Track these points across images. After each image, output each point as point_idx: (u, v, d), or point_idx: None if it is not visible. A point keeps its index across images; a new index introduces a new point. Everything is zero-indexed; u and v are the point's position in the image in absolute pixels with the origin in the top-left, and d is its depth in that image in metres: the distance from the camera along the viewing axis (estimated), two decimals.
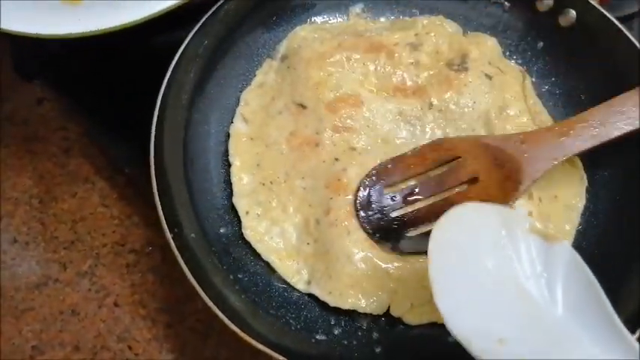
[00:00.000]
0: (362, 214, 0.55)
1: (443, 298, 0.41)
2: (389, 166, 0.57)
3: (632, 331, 0.45)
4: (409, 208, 0.55)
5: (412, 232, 0.54)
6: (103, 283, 0.71)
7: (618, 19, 0.72)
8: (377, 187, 0.56)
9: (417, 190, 0.56)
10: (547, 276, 0.42)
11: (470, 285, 0.42)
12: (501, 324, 0.40)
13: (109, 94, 0.72)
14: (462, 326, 0.40)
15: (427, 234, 0.49)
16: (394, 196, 0.56)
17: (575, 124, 0.54)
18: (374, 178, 0.57)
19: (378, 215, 0.55)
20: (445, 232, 0.44)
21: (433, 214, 0.53)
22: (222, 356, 0.67)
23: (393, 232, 0.55)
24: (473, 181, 0.55)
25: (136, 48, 0.69)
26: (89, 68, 0.76)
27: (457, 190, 0.55)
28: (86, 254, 0.72)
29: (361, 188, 0.56)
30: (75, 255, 0.72)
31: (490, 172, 0.54)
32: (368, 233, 0.55)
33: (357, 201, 0.55)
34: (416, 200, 0.56)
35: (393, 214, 0.55)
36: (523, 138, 0.55)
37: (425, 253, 0.46)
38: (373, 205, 0.55)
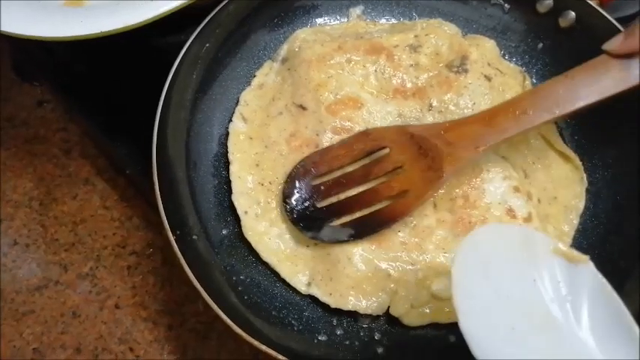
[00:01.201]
0: (287, 203, 0.55)
1: (466, 321, 0.40)
2: (317, 157, 0.57)
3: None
4: (335, 199, 0.56)
5: (336, 222, 0.55)
6: (104, 285, 0.71)
7: (619, 19, 0.72)
8: (305, 178, 0.56)
9: (343, 180, 0.56)
10: (572, 299, 0.41)
11: (493, 309, 0.41)
12: (526, 349, 0.39)
13: (110, 95, 0.72)
14: (486, 351, 0.39)
15: (348, 224, 0.54)
16: (320, 187, 0.56)
17: (498, 113, 0.54)
18: (301, 169, 0.57)
19: (304, 206, 0.55)
20: (468, 253, 0.43)
21: (358, 204, 0.55)
22: (222, 357, 0.67)
23: (317, 221, 0.55)
24: (397, 170, 0.55)
25: (138, 49, 0.69)
26: (90, 69, 0.76)
27: (382, 179, 0.56)
28: (87, 256, 0.73)
29: (288, 179, 0.56)
30: (75, 257, 0.73)
31: (414, 161, 0.55)
32: (293, 223, 0.55)
33: (284, 191, 0.56)
34: (342, 191, 0.56)
35: (319, 205, 0.55)
36: (447, 127, 0.55)
37: (344, 242, 0.53)
38: (299, 196, 0.56)
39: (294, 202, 0.55)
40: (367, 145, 0.57)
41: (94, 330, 0.69)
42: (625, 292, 0.48)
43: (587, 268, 0.41)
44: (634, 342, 0.38)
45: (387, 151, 0.56)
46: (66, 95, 0.77)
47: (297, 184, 0.56)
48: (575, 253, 0.42)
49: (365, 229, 0.54)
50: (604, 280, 0.41)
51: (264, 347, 0.46)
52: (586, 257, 0.42)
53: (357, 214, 0.54)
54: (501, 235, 0.44)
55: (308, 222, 0.55)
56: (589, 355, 0.39)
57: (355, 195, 0.55)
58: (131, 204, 0.75)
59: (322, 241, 0.54)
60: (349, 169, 0.57)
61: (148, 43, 0.69)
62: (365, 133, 0.58)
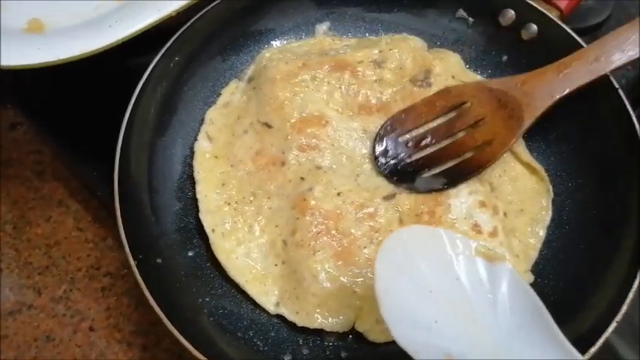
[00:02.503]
0: (381, 160, 0.59)
1: (388, 311, 0.43)
2: (402, 116, 0.61)
3: (599, 335, 0.46)
4: (422, 153, 0.60)
5: (426, 174, 0.59)
6: (78, 308, 0.71)
7: (584, 29, 0.73)
8: (392, 135, 0.60)
9: (428, 136, 0.60)
10: (492, 295, 0.43)
11: (416, 301, 0.44)
12: (448, 341, 0.42)
13: (80, 118, 0.72)
14: (407, 339, 0.42)
15: (440, 174, 0.58)
16: (408, 143, 0.60)
17: (571, 62, 0.58)
18: (389, 127, 0.61)
19: (395, 161, 0.59)
20: (391, 251, 0.46)
21: (446, 155, 0.59)
22: None
23: (409, 175, 0.59)
24: (479, 123, 0.59)
25: (106, 71, 0.69)
26: (61, 92, 0.76)
27: (466, 132, 0.60)
28: (61, 279, 0.72)
29: (377, 138, 0.60)
30: (49, 280, 0.72)
31: (495, 113, 0.59)
32: (386, 177, 0.59)
33: (376, 150, 0.59)
34: (429, 145, 0.60)
35: (408, 160, 0.59)
36: (523, 79, 0.59)
37: (438, 190, 0.57)
38: (390, 153, 0.59)
39: (385, 160, 0.59)
40: (449, 102, 0.61)
41: (68, 353, 0.68)
42: (592, 299, 0.49)
43: (505, 266, 0.44)
44: (550, 332, 0.40)
45: (468, 105, 0.60)
46: (37, 118, 0.77)
47: (386, 142, 0.60)
48: (494, 253, 0.45)
49: (457, 177, 0.58)
50: (519, 278, 0.44)
51: None
52: (503, 256, 0.46)
53: (447, 165, 0.58)
54: (425, 237, 0.47)
55: (401, 175, 0.59)
56: (509, 346, 0.41)
57: (442, 147, 0.59)
58: (105, 225, 0.75)
59: (418, 191, 0.58)
60: (433, 124, 0.61)
61: (116, 65, 0.69)
62: (446, 91, 0.62)
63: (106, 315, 0.70)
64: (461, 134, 0.60)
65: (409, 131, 0.61)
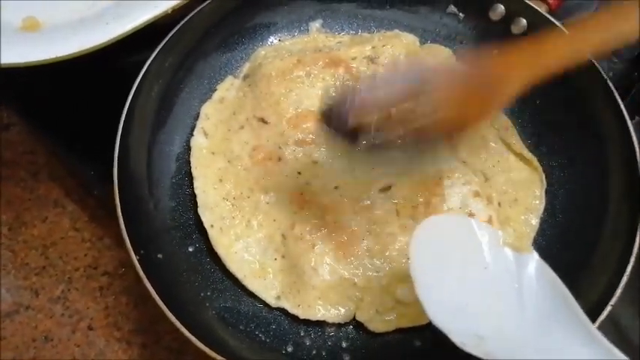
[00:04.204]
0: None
1: (423, 292, 0.44)
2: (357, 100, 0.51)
3: (593, 320, 0.46)
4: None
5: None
6: (77, 308, 0.71)
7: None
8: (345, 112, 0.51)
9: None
10: (519, 285, 0.44)
11: (448, 285, 0.45)
12: (477, 324, 0.43)
13: (76, 116, 0.72)
14: (441, 319, 0.42)
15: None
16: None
17: (546, 42, 0.52)
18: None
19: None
20: (424, 237, 0.47)
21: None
22: None
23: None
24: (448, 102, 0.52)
25: (102, 69, 0.69)
26: (54, 91, 0.76)
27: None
28: (58, 279, 0.72)
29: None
30: (47, 281, 0.72)
31: (465, 94, 0.52)
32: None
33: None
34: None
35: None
36: (495, 62, 0.53)
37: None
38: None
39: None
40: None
41: (67, 353, 0.68)
42: (584, 284, 0.50)
43: (533, 257, 0.46)
44: (579, 322, 0.41)
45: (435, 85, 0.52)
46: (31, 118, 0.77)
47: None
48: (520, 243, 0.46)
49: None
50: (548, 268, 0.45)
51: None
52: (530, 248, 0.45)
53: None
54: (455, 225, 0.48)
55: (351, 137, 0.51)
56: (536, 333, 0.42)
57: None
58: (102, 224, 0.75)
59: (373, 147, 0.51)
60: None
61: (112, 63, 0.69)
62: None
63: (104, 314, 0.70)
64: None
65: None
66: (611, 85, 0.58)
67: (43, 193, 0.78)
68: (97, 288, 0.72)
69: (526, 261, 0.45)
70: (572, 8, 0.77)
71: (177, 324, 0.47)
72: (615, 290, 0.48)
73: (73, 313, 0.70)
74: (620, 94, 0.64)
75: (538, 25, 0.64)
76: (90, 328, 0.70)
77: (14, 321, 0.70)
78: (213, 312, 0.53)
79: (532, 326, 0.42)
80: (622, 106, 0.57)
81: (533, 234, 0.59)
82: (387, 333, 0.54)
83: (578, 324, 0.41)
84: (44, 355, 0.68)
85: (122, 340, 0.69)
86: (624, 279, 0.49)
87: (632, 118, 0.65)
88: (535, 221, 0.59)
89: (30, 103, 0.78)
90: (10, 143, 0.81)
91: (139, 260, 0.50)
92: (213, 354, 0.46)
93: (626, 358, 0.38)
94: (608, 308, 0.47)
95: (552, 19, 0.63)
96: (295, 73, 0.63)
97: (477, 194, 0.57)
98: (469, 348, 0.41)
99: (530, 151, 0.63)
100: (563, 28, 0.62)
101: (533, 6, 0.64)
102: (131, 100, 0.57)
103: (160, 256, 0.53)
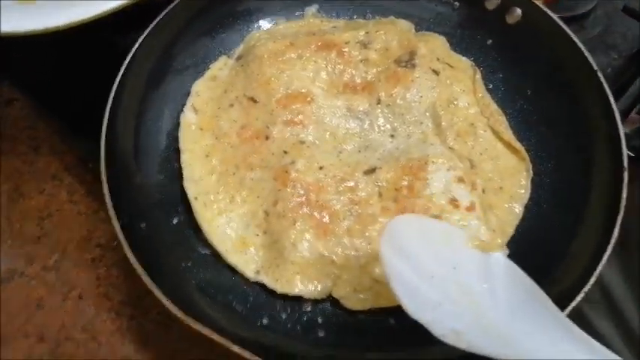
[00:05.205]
0: None
1: (398, 290, 0.45)
2: None
3: (569, 303, 0.48)
4: None
5: None
6: (69, 277, 0.72)
7: (571, 18, 0.75)
8: None
9: None
10: (488, 283, 0.45)
11: (421, 285, 0.46)
12: (454, 321, 0.43)
13: (75, 93, 0.74)
14: (419, 315, 0.44)
15: None
16: None
17: None
18: None
19: None
20: (392, 237, 0.49)
21: None
22: (182, 347, 0.68)
23: None
24: None
25: (101, 48, 0.70)
26: (56, 69, 0.78)
27: None
28: (52, 249, 0.74)
29: None
30: (41, 250, 0.74)
31: None
32: None
33: None
34: None
35: None
36: None
37: None
38: None
39: None
40: None
41: (57, 320, 0.70)
42: (561, 270, 0.51)
43: (498, 256, 0.47)
44: (551, 315, 0.42)
45: None
46: (33, 94, 0.79)
47: None
48: (487, 244, 0.49)
49: None
50: (515, 266, 0.46)
51: (206, 330, 0.47)
52: (497, 246, 0.49)
53: None
54: (421, 226, 0.50)
55: None
56: (509, 324, 0.42)
57: None
58: (97, 198, 0.76)
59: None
60: None
61: (110, 41, 0.71)
62: None
63: (95, 285, 0.72)
64: None
65: None
66: (601, 77, 0.58)
67: (42, 167, 0.79)
68: (90, 259, 0.73)
69: (493, 261, 0.47)
70: (571, 3, 0.77)
71: (155, 290, 0.48)
72: (589, 278, 0.49)
73: (65, 282, 0.72)
74: (618, 90, 0.64)
75: (532, 15, 0.64)
76: (80, 297, 0.71)
77: (8, 287, 0.72)
78: (193, 281, 0.55)
79: (507, 323, 0.43)
80: (611, 100, 0.57)
81: (516, 222, 0.59)
82: (362, 311, 0.55)
83: (549, 314, 0.42)
84: (35, 321, 0.70)
85: (111, 311, 0.70)
86: (599, 268, 0.49)
87: (628, 113, 0.65)
88: (519, 209, 0.59)
89: (32, 79, 0.80)
90: (12, 118, 0.83)
91: (121, 227, 0.51)
92: (192, 322, 0.47)
93: (597, 343, 0.39)
94: (581, 295, 0.48)
95: (547, 11, 0.63)
96: (287, 55, 0.64)
97: (460, 180, 0.57)
98: (450, 340, 0.42)
99: (519, 140, 0.63)
100: (559, 21, 0.63)
101: None
102: (122, 76, 0.58)
103: (143, 225, 0.55)
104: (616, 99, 0.64)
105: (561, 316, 0.41)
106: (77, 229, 0.75)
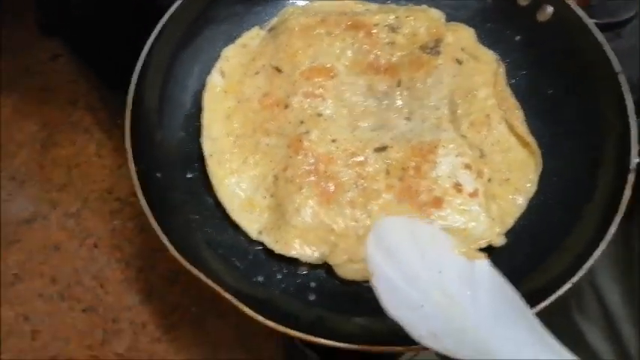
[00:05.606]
0: None
1: (380, 288, 0.46)
2: None
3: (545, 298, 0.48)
4: None
5: None
6: (87, 225, 0.76)
7: (608, 25, 0.74)
8: None
9: None
10: (472, 291, 0.45)
11: (404, 285, 0.46)
12: (433, 324, 0.44)
13: (114, 51, 0.77)
14: (397, 313, 0.44)
15: None
16: None
17: None
18: None
19: None
20: (380, 234, 0.49)
21: None
22: (184, 302, 0.71)
23: None
24: None
25: (144, 9, 0.73)
26: (100, 28, 0.82)
27: None
28: (76, 197, 0.78)
29: None
30: (65, 197, 0.78)
31: None
32: None
33: None
34: None
35: None
36: None
37: None
38: None
39: None
40: None
41: (71, 264, 0.74)
42: (547, 262, 0.51)
43: (483, 264, 0.47)
44: (530, 326, 0.42)
45: None
46: (76, 51, 0.83)
47: None
48: (473, 252, 0.48)
49: None
50: (498, 275, 0.46)
51: (197, 272, 0.49)
52: (482, 255, 0.48)
53: None
54: (409, 228, 0.50)
55: None
56: (488, 331, 0.43)
57: None
58: (123, 154, 0.79)
59: None
60: None
61: (153, 2, 0.74)
62: None
63: (110, 235, 0.75)
64: None
65: None
66: (621, 79, 0.58)
67: (77, 120, 0.84)
68: (108, 211, 0.77)
69: (478, 269, 0.47)
70: (610, 10, 0.76)
71: (158, 229, 0.51)
72: (576, 272, 0.49)
73: (83, 230, 0.76)
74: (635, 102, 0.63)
75: (563, 14, 0.64)
76: (95, 245, 0.75)
77: (31, 228, 0.76)
78: (198, 233, 0.57)
79: (486, 329, 0.43)
80: (628, 103, 0.57)
81: (518, 214, 0.59)
82: (354, 282, 0.56)
83: (527, 323, 0.42)
84: (51, 262, 0.74)
85: (121, 261, 0.74)
86: (588, 264, 0.49)
87: None
88: (522, 202, 0.59)
89: (77, 37, 0.84)
90: (56, 72, 0.88)
91: (137, 172, 0.54)
92: (184, 262, 0.49)
93: (572, 356, 0.39)
94: (568, 285, 0.48)
95: (578, 12, 0.62)
96: (317, 31, 0.65)
97: (468, 166, 0.58)
98: (427, 341, 0.42)
99: (533, 136, 0.62)
100: (588, 21, 0.62)
101: None
102: (156, 36, 0.61)
103: (158, 175, 0.57)
104: None
105: (539, 326, 0.42)
106: (100, 181, 0.79)
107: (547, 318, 0.48)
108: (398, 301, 0.45)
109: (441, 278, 0.46)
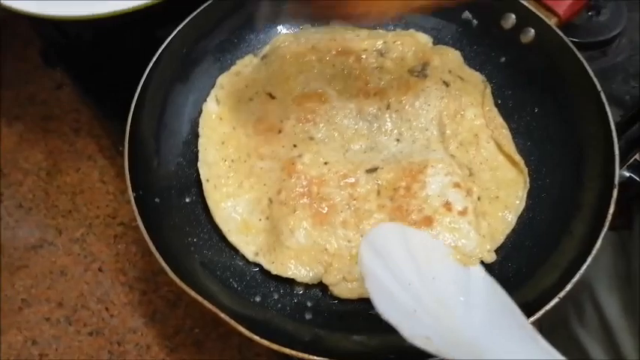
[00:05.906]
0: None
1: (374, 293, 0.48)
2: None
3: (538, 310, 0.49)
4: None
5: None
6: (92, 250, 0.78)
7: (593, 43, 0.76)
8: None
9: None
10: (464, 299, 0.47)
11: (397, 291, 0.48)
12: (426, 328, 0.45)
13: (115, 81, 0.80)
14: (390, 315, 0.46)
15: None
16: None
17: None
18: None
19: None
20: (374, 242, 0.52)
21: None
22: (187, 325, 0.73)
23: None
24: None
25: (142, 41, 0.76)
26: (102, 60, 0.85)
27: None
28: (80, 223, 0.80)
29: None
30: (70, 223, 0.80)
31: None
32: None
33: None
34: None
35: None
36: None
37: None
38: None
39: None
40: None
41: (76, 288, 0.76)
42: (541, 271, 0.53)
43: (477, 270, 0.49)
44: (523, 329, 0.43)
45: None
46: (80, 81, 0.86)
47: None
48: (467, 258, 0.50)
49: None
50: (493, 281, 0.47)
51: (200, 297, 0.51)
52: (476, 261, 0.50)
53: None
54: (404, 235, 0.52)
55: None
56: (482, 337, 0.44)
57: None
58: (125, 180, 0.83)
59: None
60: None
61: (149, 32, 0.77)
62: None
63: (114, 259, 0.77)
64: None
65: None
66: (604, 98, 0.60)
67: (80, 148, 0.86)
68: (112, 235, 0.79)
69: (472, 274, 0.48)
70: (594, 29, 0.78)
71: (157, 254, 0.53)
72: (565, 286, 0.50)
73: (87, 255, 0.78)
74: (634, 116, 0.65)
75: (545, 36, 0.66)
76: (100, 269, 0.77)
77: (38, 254, 0.78)
78: (196, 256, 0.59)
79: (478, 333, 0.44)
80: (610, 120, 0.59)
81: (508, 230, 0.61)
82: (350, 300, 0.57)
83: (521, 329, 0.43)
84: (57, 287, 0.76)
85: (126, 285, 0.75)
86: (576, 277, 0.50)
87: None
88: (512, 219, 0.61)
89: (80, 68, 0.87)
90: (59, 101, 0.91)
91: (135, 198, 0.56)
92: (182, 284, 0.51)
93: (564, 358, 0.40)
94: (556, 300, 0.49)
95: (558, 32, 0.65)
96: (308, 57, 0.68)
97: (457, 185, 0.60)
98: (419, 343, 0.43)
99: (521, 155, 0.64)
100: (569, 42, 0.65)
101: (543, 17, 0.66)
102: (152, 65, 0.63)
103: (157, 200, 0.59)
104: (630, 125, 0.65)
105: (532, 330, 0.42)
106: (104, 206, 0.81)
107: (547, 330, 0.49)
108: (390, 304, 0.47)
109: (435, 284, 0.48)
